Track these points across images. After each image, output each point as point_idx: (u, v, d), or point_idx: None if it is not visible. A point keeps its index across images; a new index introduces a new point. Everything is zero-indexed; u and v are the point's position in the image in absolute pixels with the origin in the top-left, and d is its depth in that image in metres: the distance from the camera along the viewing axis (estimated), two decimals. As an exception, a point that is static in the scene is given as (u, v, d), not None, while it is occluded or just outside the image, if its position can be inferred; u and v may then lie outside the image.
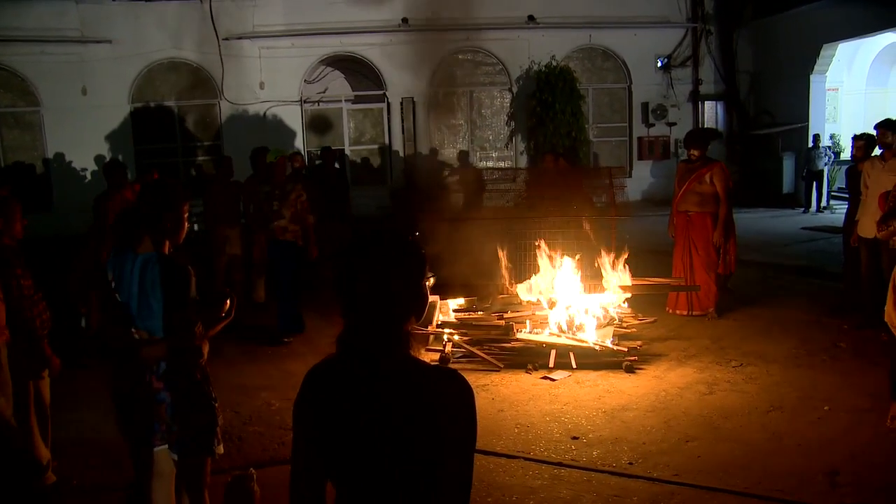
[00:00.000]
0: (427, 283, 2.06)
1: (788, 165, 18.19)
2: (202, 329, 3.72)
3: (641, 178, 19.39)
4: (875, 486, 4.69)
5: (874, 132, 8.07)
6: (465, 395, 1.95)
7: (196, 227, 3.79)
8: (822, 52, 17.44)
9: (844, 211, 9.30)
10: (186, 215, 3.74)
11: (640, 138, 19.67)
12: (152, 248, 3.62)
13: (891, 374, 5.59)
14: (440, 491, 1.93)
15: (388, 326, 1.96)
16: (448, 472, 1.92)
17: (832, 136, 18.60)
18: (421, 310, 2.03)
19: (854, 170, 8.66)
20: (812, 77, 17.78)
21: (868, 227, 7.55)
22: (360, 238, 2.00)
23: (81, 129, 16.85)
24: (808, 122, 17.89)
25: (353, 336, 1.97)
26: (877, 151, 8.17)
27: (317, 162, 16.41)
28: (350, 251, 1.99)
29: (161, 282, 3.52)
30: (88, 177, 16.94)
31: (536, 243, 8.30)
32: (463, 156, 16.84)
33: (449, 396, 1.93)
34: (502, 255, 8.47)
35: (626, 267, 8.00)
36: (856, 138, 8.83)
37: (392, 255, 1.97)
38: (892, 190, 6.57)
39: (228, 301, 3.85)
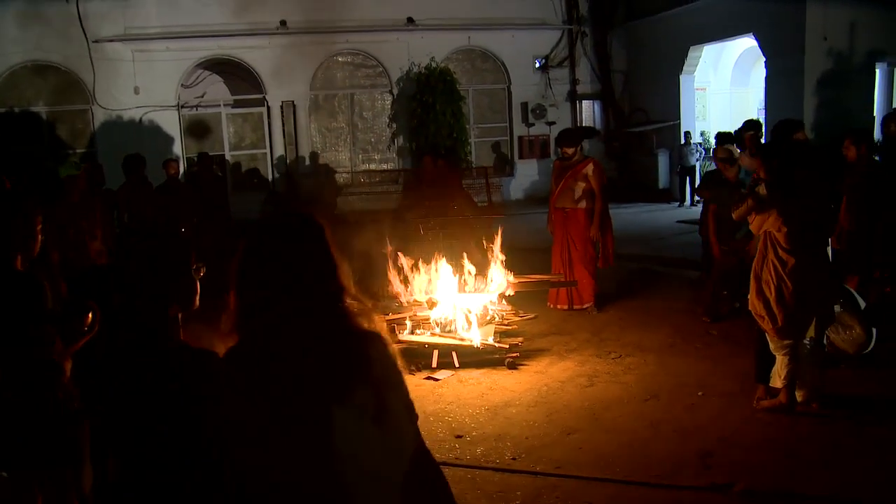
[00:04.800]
0: (196, 274, 2.23)
1: (663, 161, 18.91)
2: (62, 345, 3.53)
3: (523, 177, 19.77)
4: (743, 465, 4.89)
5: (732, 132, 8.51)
6: (223, 373, 2.03)
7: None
8: (690, 54, 18.26)
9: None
10: (40, 227, 3.54)
11: (520, 137, 20.04)
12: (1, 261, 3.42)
13: (756, 358, 5.86)
14: (204, 464, 2.03)
15: (154, 312, 2.13)
16: (209, 445, 2.02)
17: (702, 133, 19.42)
18: (187, 297, 2.21)
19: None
20: (681, 77, 18.59)
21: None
22: (130, 237, 2.22)
23: (-66, 135, 15.69)
24: (679, 119, 18.67)
25: (129, 322, 2.16)
26: None
27: (193, 168, 15.97)
28: (123, 249, 2.23)
29: (12, 296, 3.32)
30: (-54, 188, 15.84)
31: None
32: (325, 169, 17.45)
33: (210, 375, 2.03)
34: (390, 257, 8.33)
35: (502, 265, 8.04)
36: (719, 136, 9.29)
37: (156, 247, 2.18)
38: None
39: (91, 314, 3.66)
